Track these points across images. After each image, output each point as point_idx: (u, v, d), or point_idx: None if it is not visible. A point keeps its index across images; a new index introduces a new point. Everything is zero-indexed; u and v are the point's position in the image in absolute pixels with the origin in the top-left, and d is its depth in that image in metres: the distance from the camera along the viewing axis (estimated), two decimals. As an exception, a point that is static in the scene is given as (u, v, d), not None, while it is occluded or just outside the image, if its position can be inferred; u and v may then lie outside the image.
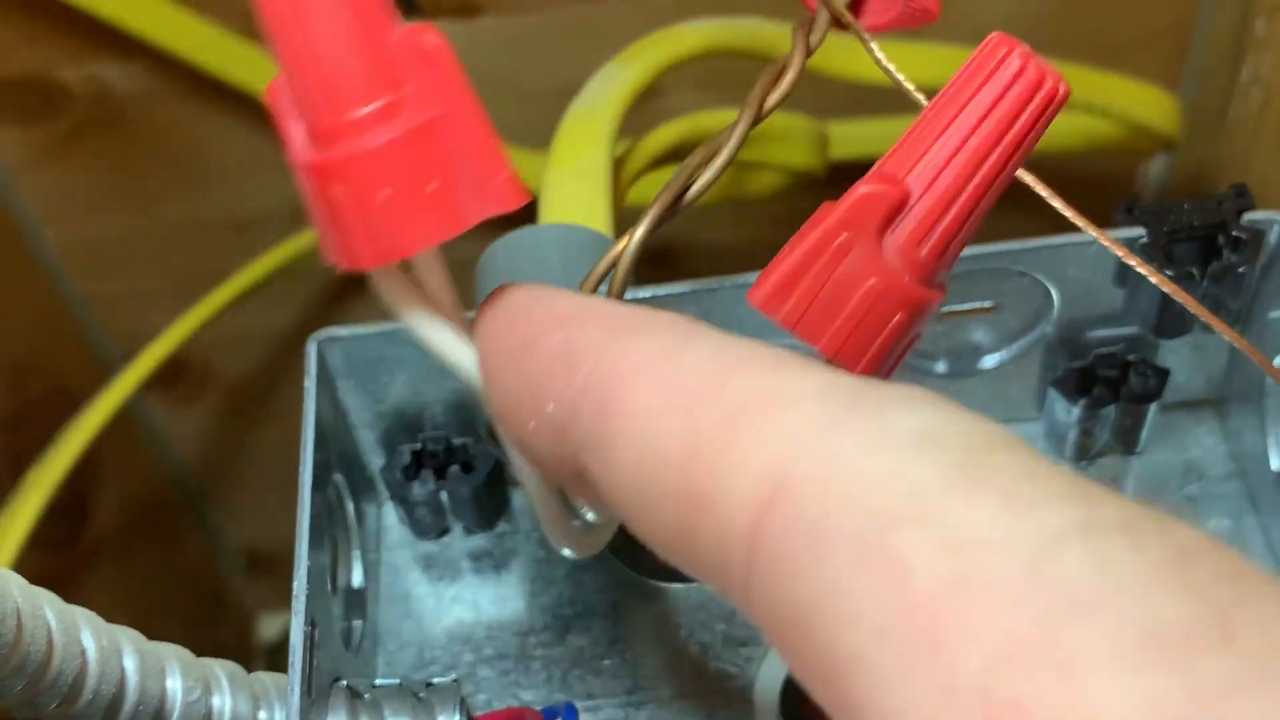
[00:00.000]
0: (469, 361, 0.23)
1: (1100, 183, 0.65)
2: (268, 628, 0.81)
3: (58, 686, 0.28)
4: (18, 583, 0.28)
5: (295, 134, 0.21)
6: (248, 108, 0.59)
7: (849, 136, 0.55)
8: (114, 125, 0.61)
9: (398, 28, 0.20)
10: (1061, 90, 0.24)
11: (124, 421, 0.69)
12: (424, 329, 0.23)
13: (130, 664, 0.30)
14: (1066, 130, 0.56)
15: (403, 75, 0.20)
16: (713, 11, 0.50)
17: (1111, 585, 0.14)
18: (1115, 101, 0.55)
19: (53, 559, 0.63)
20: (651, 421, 0.18)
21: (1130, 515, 0.15)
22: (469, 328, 0.23)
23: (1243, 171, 0.56)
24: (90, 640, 0.29)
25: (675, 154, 0.51)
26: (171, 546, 0.75)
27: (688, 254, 0.65)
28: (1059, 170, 0.29)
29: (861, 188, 0.24)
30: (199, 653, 0.33)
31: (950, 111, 0.24)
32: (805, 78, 0.49)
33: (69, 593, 0.65)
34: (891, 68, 0.30)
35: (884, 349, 0.25)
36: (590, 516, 0.28)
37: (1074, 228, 0.30)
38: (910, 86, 0.30)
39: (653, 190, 0.50)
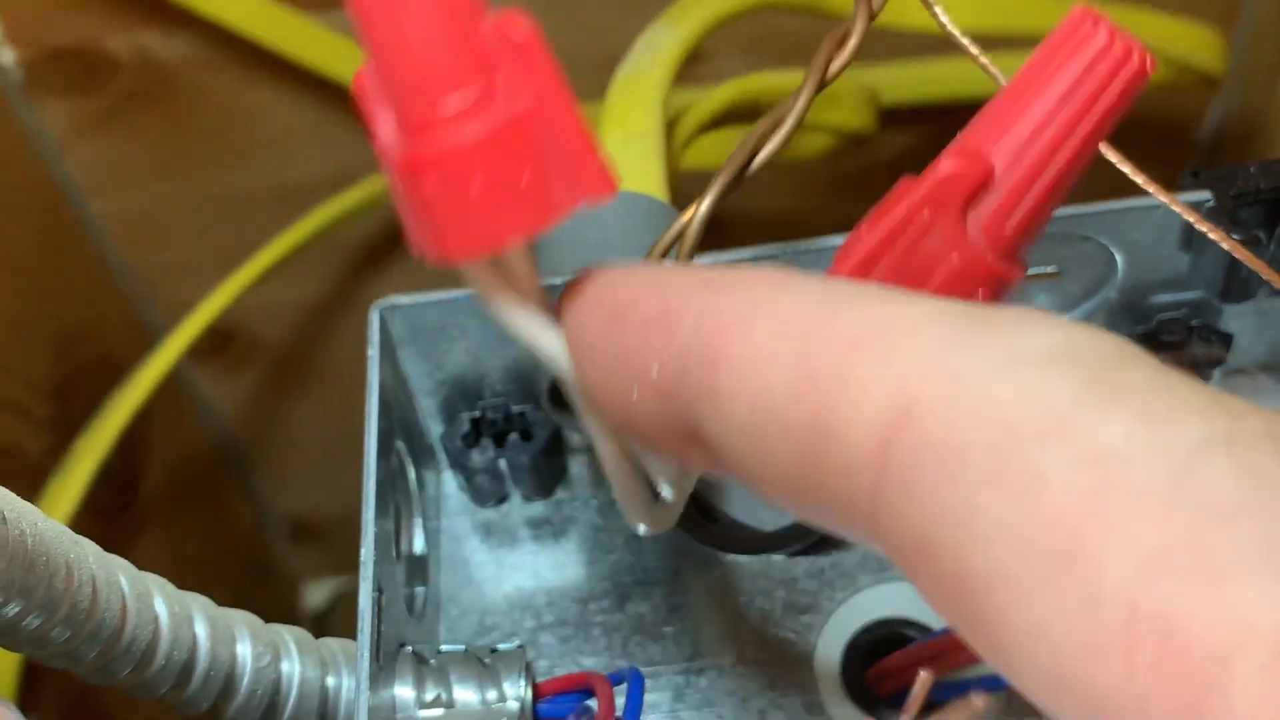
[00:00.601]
0: (558, 349, 0.23)
1: (1153, 125, 0.64)
2: (313, 595, 0.81)
3: (131, 652, 0.28)
4: (93, 549, 0.28)
5: (384, 124, 0.21)
6: (292, 77, 0.59)
7: (895, 80, 0.55)
8: (159, 95, 0.61)
9: (488, 15, 0.20)
10: (1148, 63, 0.24)
11: (170, 390, 0.69)
12: (513, 318, 0.23)
13: (201, 630, 0.30)
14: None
15: (494, 64, 0.20)
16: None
17: (1259, 494, 0.14)
18: (1158, 39, 0.55)
19: (102, 526, 0.64)
20: (763, 364, 0.18)
21: (1275, 426, 0.15)
22: (548, 311, 0.23)
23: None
24: (163, 607, 0.29)
25: (726, 117, 0.50)
26: (217, 514, 0.76)
27: (736, 221, 0.64)
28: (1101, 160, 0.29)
29: (945, 166, 0.24)
30: None
31: (1035, 86, 0.24)
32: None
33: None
34: (970, 46, 0.29)
35: None
36: (667, 493, 0.28)
37: (1137, 190, 0.29)
38: (967, 41, 0.30)
39: (707, 155, 0.50)
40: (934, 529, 0.15)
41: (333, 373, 0.74)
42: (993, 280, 0.24)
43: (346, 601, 0.80)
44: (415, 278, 0.35)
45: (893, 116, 0.58)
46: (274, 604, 0.81)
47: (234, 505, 0.78)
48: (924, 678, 0.22)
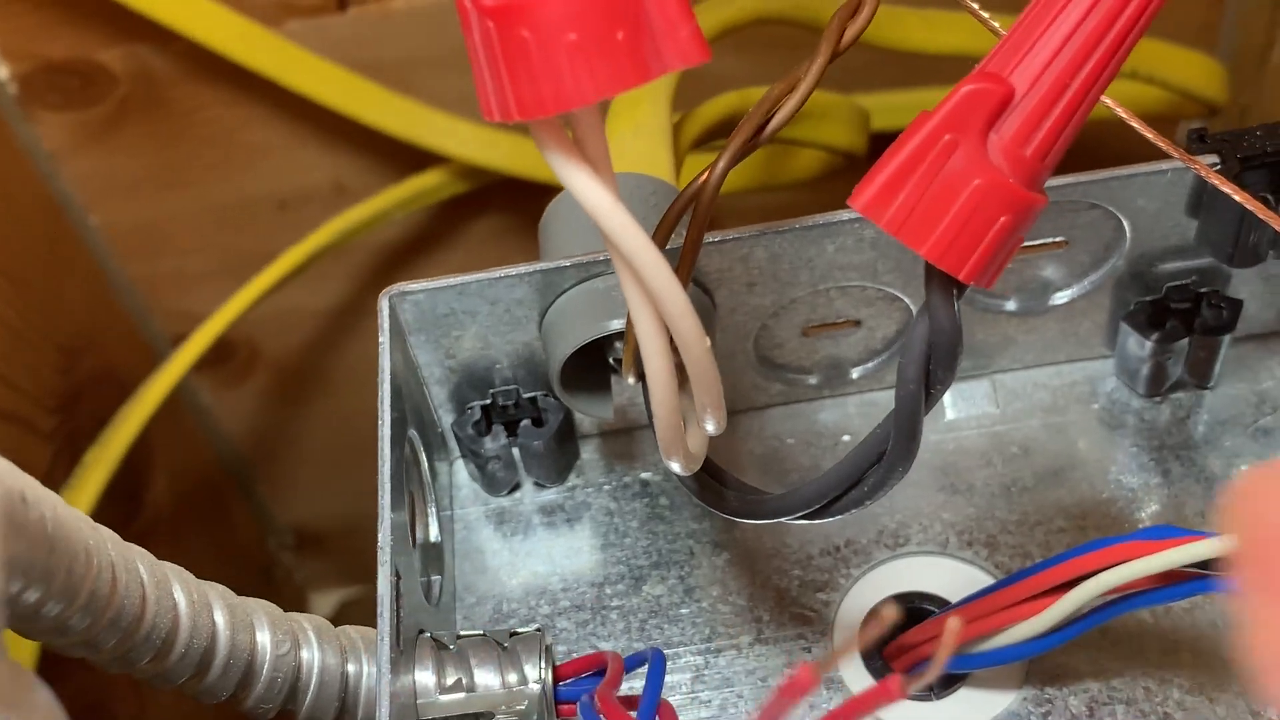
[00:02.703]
0: (621, 221, 0.23)
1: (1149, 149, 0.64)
2: (320, 605, 0.81)
3: (151, 640, 0.28)
4: (111, 536, 0.28)
5: None
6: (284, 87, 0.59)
7: (889, 106, 0.55)
8: (155, 107, 0.61)
9: None
10: None
11: (174, 402, 0.69)
12: (582, 186, 0.23)
13: (220, 618, 0.30)
14: (1112, 96, 0.56)
15: None
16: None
17: None
18: (1161, 68, 0.55)
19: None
20: None
21: None
22: (616, 188, 0.23)
23: (1288, 114, 0.56)
24: (182, 595, 0.29)
25: (728, 125, 0.50)
26: (222, 526, 0.76)
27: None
28: (1105, 137, 0.29)
29: (966, 86, 0.24)
30: None
31: (1053, 9, 0.24)
32: (849, 50, 0.49)
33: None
34: (974, 4, 0.30)
35: (989, 252, 0.24)
36: (710, 427, 0.28)
37: (1133, 158, 0.29)
38: (995, 23, 0.30)
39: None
40: None
41: (336, 383, 0.73)
42: (1016, 205, 0.24)
43: (354, 610, 0.79)
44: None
45: (886, 142, 0.58)
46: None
47: (239, 516, 0.77)
48: (953, 626, 0.22)
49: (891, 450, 0.28)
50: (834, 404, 0.39)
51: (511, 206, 0.65)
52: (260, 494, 0.78)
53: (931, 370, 0.27)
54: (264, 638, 0.30)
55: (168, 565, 0.29)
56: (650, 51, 0.23)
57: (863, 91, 0.54)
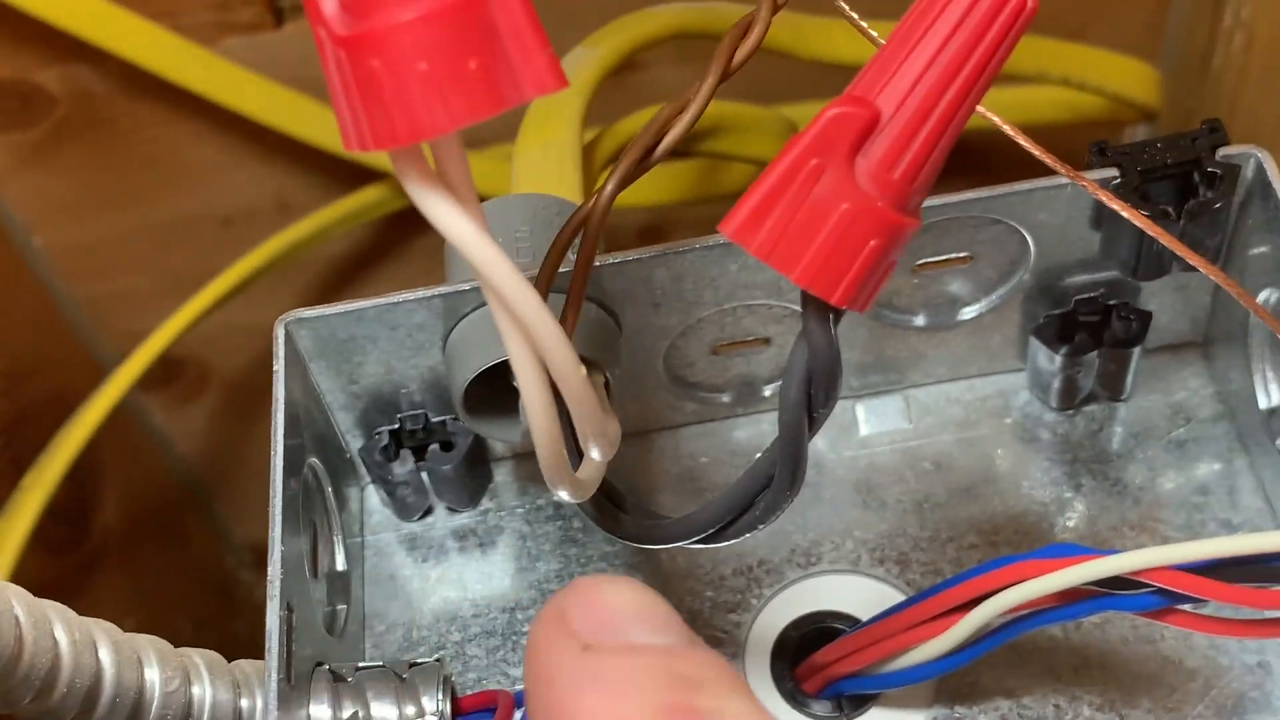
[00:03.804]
0: (485, 252, 0.23)
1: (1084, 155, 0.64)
2: (280, 622, 0.80)
3: (30, 680, 0.28)
4: (-17, 578, 0.27)
5: (328, 8, 0.21)
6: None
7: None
8: (95, 126, 0.61)
9: None
10: (1030, 4, 0.24)
11: (123, 422, 0.69)
12: (444, 217, 0.23)
13: (106, 656, 0.29)
14: (1049, 102, 0.56)
15: None
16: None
17: None
18: (1095, 75, 0.55)
19: (58, 561, 0.63)
20: None
21: None
22: (482, 217, 0.23)
23: (1229, 116, 0.55)
24: (62, 633, 0.29)
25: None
26: (178, 545, 0.75)
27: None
28: (1044, 143, 0.29)
29: (831, 110, 0.24)
30: (213, 649, 0.33)
31: (919, 30, 0.23)
32: (778, 60, 0.49)
33: (76, 594, 0.66)
34: (852, 13, 0.29)
35: (861, 275, 0.24)
36: (595, 455, 0.28)
37: (1046, 173, 0.29)
38: (874, 33, 0.29)
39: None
40: None
41: (288, 398, 0.73)
42: (885, 229, 0.24)
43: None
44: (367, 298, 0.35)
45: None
46: (242, 632, 0.80)
47: (194, 536, 0.77)
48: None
49: (779, 476, 0.28)
50: (748, 421, 0.39)
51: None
52: (217, 512, 0.78)
53: (813, 394, 0.27)
54: (152, 674, 0.30)
55: (48, 603, 0.29)
56: (506, 80, 0.22)
57: (792, 103, 0.54)
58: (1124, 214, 0.29)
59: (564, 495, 0.29)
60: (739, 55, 0.31)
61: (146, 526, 0.71)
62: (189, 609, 0.75)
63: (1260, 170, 0.33)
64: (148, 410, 0.72)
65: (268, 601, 0.30)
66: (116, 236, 0.65)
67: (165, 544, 0.74)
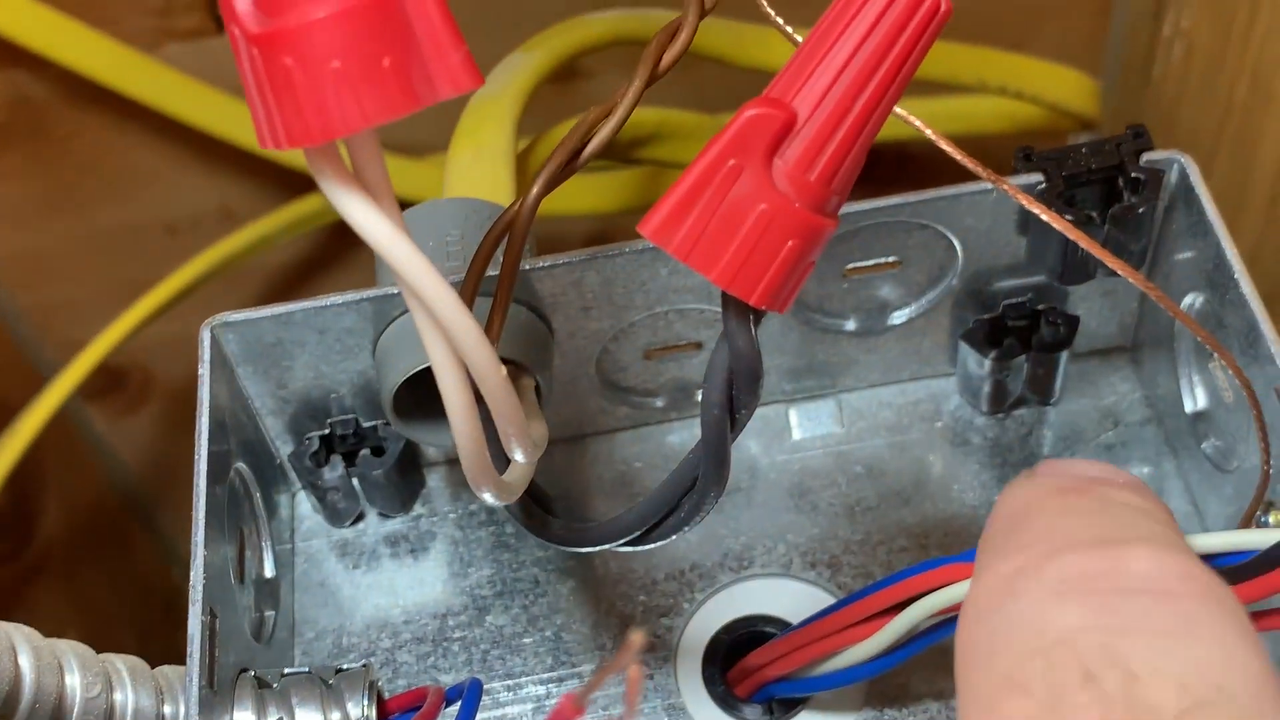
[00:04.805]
0: (401, 251, 0.23)
1: (1004, 169, 0.65)
2: (226, 634, 0.80)
3: (-56, 687, 0.27)
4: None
5: (241, 6, 0.21)
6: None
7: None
8: (36, 134, 0.60)
9: None
10: (943, 7, 0.24)
11: (66, 432, 0.68)
12: (357, 215, 0.23)
13: (25, 661, 0.29)
14: (989, 113, 0.57)
15: None
16: (624, 2, 0.50)
17: None
18: (1034, 84, 0.56)
19: (-3, 572, 0.63)
20: None
21: None
22: (399, 217, 0.23)
23: (1169, 125, 0.56)
24: (-21, 639, 0.28)
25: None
26: (122, 555, 0.75)
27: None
28: (983, 153, 0.29)
29: (747, 111, 0.24)
30: (156, 661, 0.33)
31: (834, 33, 0.24)
32: (720, 69, 0.49)
33: (15, 604, 0.65)
34: (776, 17, 0.29)
35: (780, 276, 0.24)
36: (519, 457, 0.28)
37: (972, 179, 0.29)
38: (797, 37, 0.29)
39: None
40: None
41: (234, 407, 0.73)
42: (802, 230, 0.24)
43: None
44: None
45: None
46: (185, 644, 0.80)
47: (138, 547, 0.76)
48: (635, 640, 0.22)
49: (702, 476, 0.28)
50: (682, 425, 0.39)
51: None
52: (161, 524, 0.77)
53: (735, 395, 0.27)
54: (73, 680, 0.30)
55: (-34, 610, 0.29)
56: (420, 79, 0.22)
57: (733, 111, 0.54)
58: (1046, 219, 0.29)
59: (488, 498, 0.29)
60: (666, 58, 0.31)
61: (88, 537, 0.70)
62: (132, 620, 0.74)
63: (1184, 175, 0.33)
64: (89, 419, 0.71)
65: (189, 606, 0.30)
66: (58, 244, 0.65)
67: (107, 555, 0.73)
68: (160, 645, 0.62)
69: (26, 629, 0.30)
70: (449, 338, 0.25)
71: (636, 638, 0.21)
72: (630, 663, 0.21)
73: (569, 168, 0.31)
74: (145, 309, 0.61)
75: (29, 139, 0.60)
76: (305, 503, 0.38)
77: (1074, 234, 0.29)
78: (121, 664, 0.31)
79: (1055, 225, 0.29)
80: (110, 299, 0.65)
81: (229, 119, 0.58)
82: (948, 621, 0.31)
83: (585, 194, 0.55)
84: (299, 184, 0.62)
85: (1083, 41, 0.61)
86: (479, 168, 0.39)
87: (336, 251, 0.67)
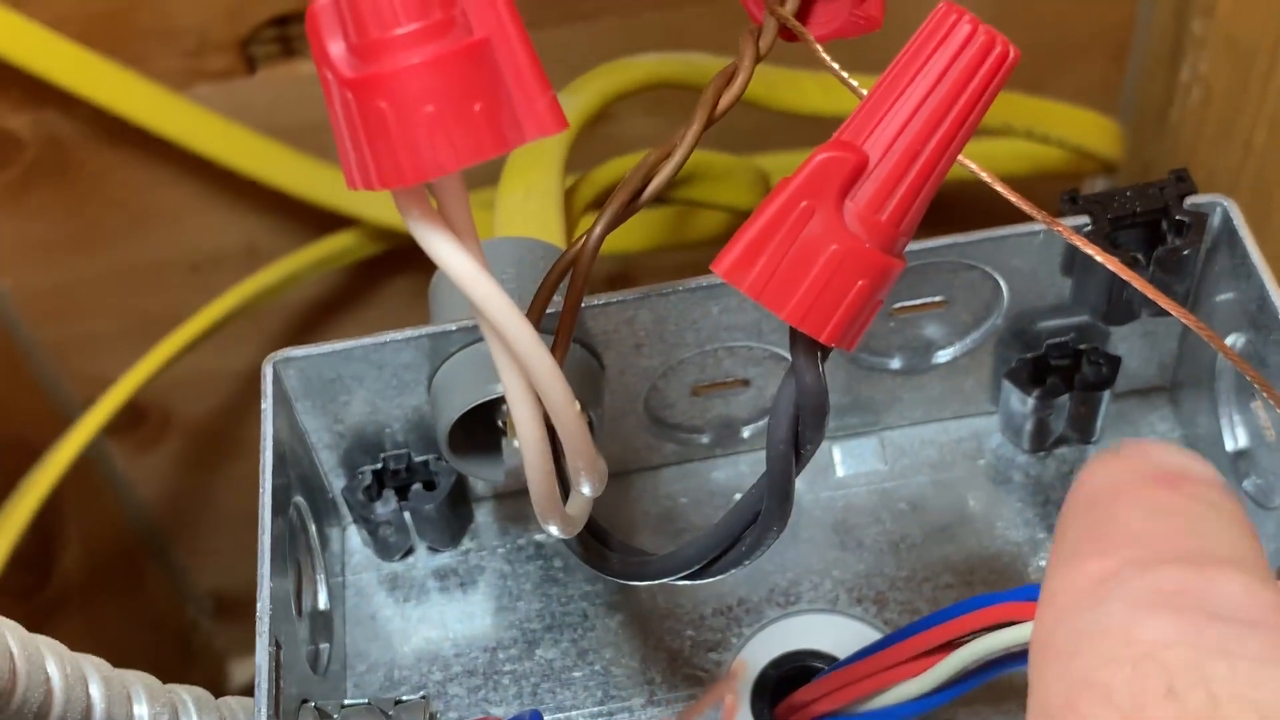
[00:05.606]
0: (486, 289, 0.24)
1: (1050, 204, 0.66)
2: (240, 672, 0.80)
3: (23, 714, 0.28)
4: (-23, 612, 0.27)
5: (335, 51, 0.22)
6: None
7: (791, 168, 0.56)
8: (64, 171, 0.61)
9: None
10: (1012, 54, 0.25)
11: (86, 468, 0.68)
12: (444, 253, 0.23)
13: (96, 691, 0.29)
14: (1011, 155, 0.58)
15: None
16: (662, 45, 0.51)
17: None
18: (1057, 128, 0.57)
19: (18, 608, 0.63)
20: None
21: None
22: (482, 256, 0.24)
23: (1187, 169, 0.57)
24: (55, 668, 0.29)
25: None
26: (138, 592, 0.75)
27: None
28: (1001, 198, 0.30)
29: (820, 154, 0.25)
30: None
31: (905, 79, 0.24)
32: (749, 111, 0.50)
33: (35, 640, 0.64)
34: (836, 66, 0.30)
35: (849, 315, 0.25)
36: (587, 490, 0.28)
37: (1019, 221, 0.30)
38: (854, 83, 0.30)
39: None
40: None
41: (250, 447, 0.72)
42: (873, 270, 0.25)
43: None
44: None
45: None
46: (200, 682, 0.79)
47: (155, 584, 0.77)
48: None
49: (765, 511, 0.29)
50: (726, 462, 0.39)
51: (428, 267, 0.65)
52: (177, 560, 0.78)
53: (801, 431, 0.27)
54: (141, 710, 0.30)
55: (41, 638, 0.29)
56: (509, 122, 0.23)
57: (762, 152, 0.55)
58: (1100, 260, 0.30)
59: (554, 530, 0.29)
60: (723, 102, 0.32)
61: (107, 574, 0.71)
62: (147, 657, 0.74)
63: (1226, 218, 0.34)
64: (109, 456, 0.71)
65: (257, 638, 0.30)
66: (83, 281, 0.65)
67: (124, 591, 0.73)
68: (174, 682, 0.62)
69: (97, 659, 0.30)
70: (527, 372, 0.26)
71: (739, 666, 0.21)
72: (731, 690, 0.21)
73: (631, 207, 0.32)
74: (171, 347, 0.62)
75: (57, 176, 0.61)
76: (355, 536, 0.39)
77: (1128, 275, 0.30)
78: (187, 694, 0.31)
79: (1110, 267, 0.30)
80: (131, 336, 0.66)
81: (256, 158, 0.59)
82: (998, 661, 0.31)
83: (610, 234, 0.56)
84: (323, 223, 0.62)
85: (1099, 85, 0.62)
86: (529, 207, 0.39)
87: (359, 290, 0.67)
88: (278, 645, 0.31)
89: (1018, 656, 0.30)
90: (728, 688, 0.21)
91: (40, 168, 0.60)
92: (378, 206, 0.60)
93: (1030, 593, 0.30)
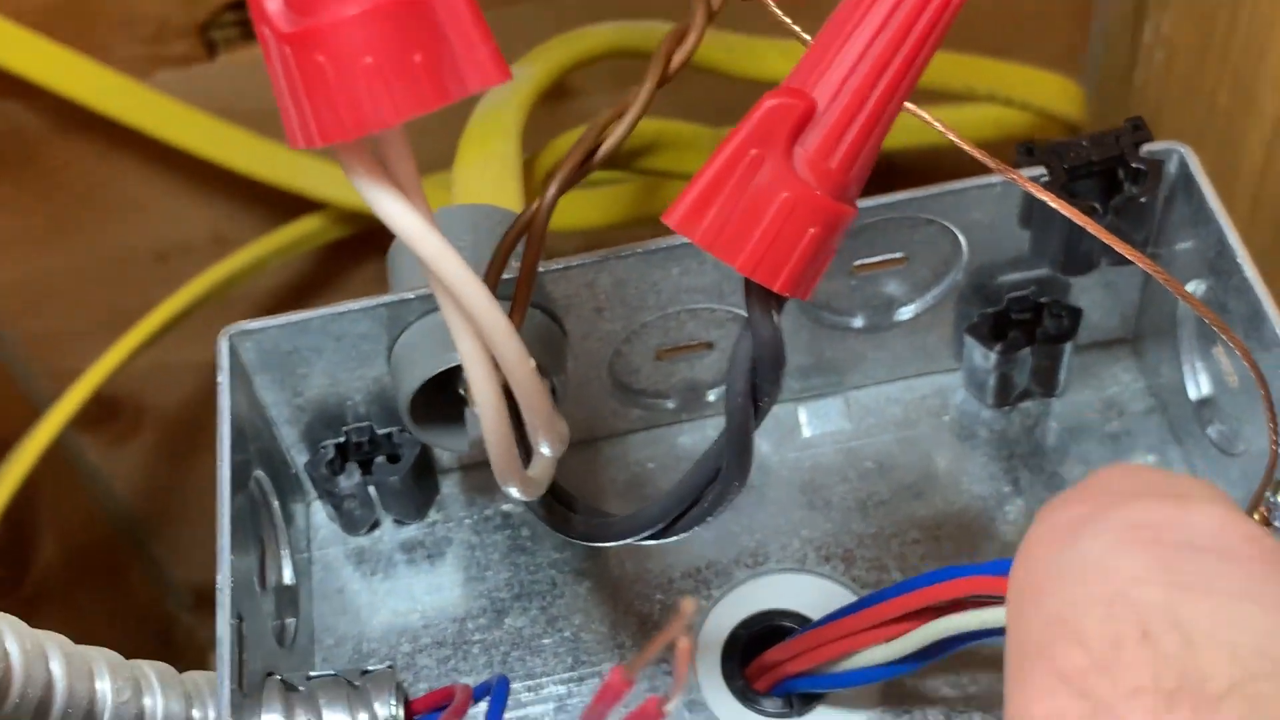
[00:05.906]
0: (434, 245, 0.23)
1: (1009, 162, 0.66)
2: (221, 663, 0.80)
3: (-21, 692, 0.27)
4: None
5: (272, 7, 0.22)
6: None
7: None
8: (27, 163, 0.60)
9: None
10: None
11: (60, 462, 0.68)
12: (390, 210, 0.23)
13: (57, 667, 0.29)
14: (975, 119, 0.58)
15: None
16: (620, 15, 0.51)
17: None
18: (1021, 91, 0.56)
19: (-6, 603, 0.62)
20: None
21: None
22: (429, 212, 0.24)
23: (1151, 129, 0.57)
24: (14, 644, 0.28)
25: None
26: (117, 587, 0.74)
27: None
28: (972, 159, 0.30)
29: (767, 101, 0.25)
30: None
31: (850, 22, 0.24)
32: (712, 80, 0.50)
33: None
34: (780, 12, 0.30)
35: (802, 263, 0.25)
36: (546, 450, 0.28)
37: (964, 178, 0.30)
38: (799, 29, 0.30)
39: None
40: None
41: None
42: (824, 217, 0.25)
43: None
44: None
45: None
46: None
47: (133, 577, 0.76)
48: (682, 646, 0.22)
49: (726, 466, 0.29)
50: (693, 427, 0.39)
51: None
52: (156, 553, 0.77)
53: (758, 383, 0.27)
54: (103, 685, 0.30)
55: (1, 616, 0.29)
56: (450, 73, 0.23)
57: (729, 126, 0.55)
58: (1058, 209, 0.30)
59: (515, 493, 0.29)
60: (676, 59, 0.31)
61: (85, 568, 0.70)
62: (127, 651, 0.73)
63: (1183, 165, 0.34)
64: (83, 449, 0.71)
65: (217, 610, 0.30)
66: (49, 273, 0.65)
67: (103, 585, 0.73)
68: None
69: (58, 636, 0.30)
70: (479, 331, 0.26)
71: (687, 605, 0.21)
72: (680, 632, 0.21)
73: (584, 167, 0.31)
74: (138, 337, 0.61)
75: (20, 169, 0.60)
76: (320, 512, 0.38)
77: (1086, 222, 0.30)
78: (150, 670, 0.31)
79: (1067, 215, 0.30)
80: (100, 327, 0.65)
81: (220, 144, 0.59)
82: (970, 634, 0.31)
83: (580, 208, 0.56)
84: (290, 208, 0.62)
85: (1062, 48, 0.62)
86: (487, 175, 0.39)
87: (328, 275, 0.67)
88: (240, 618, 0.31)
89: (992, 632, 0.30)
90: (676, 629, 0.21)
91: (2, 161, 0.60)
92: (342, 188, 0.60)
93: (1002, 567, 0.29)
